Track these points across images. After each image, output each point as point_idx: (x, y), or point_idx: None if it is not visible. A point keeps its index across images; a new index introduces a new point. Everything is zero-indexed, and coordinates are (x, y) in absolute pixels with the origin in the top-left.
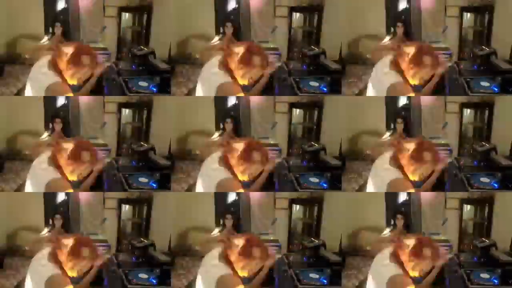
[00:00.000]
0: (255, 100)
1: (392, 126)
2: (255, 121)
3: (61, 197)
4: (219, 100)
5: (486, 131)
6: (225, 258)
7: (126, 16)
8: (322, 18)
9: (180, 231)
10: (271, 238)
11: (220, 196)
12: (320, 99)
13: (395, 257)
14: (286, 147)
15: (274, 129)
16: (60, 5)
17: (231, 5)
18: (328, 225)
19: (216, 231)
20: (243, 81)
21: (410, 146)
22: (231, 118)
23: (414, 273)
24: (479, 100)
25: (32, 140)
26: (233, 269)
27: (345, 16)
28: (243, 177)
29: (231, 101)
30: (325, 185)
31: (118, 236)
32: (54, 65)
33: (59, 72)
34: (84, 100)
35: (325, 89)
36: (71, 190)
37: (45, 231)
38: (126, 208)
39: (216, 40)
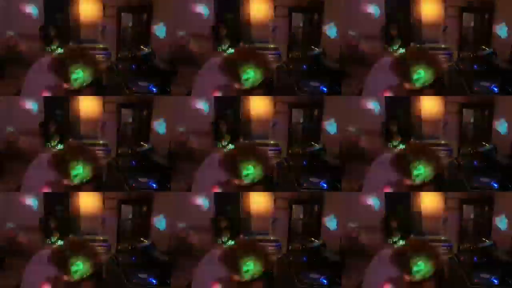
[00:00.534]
0: (255, 100)
1: (391, 126)
2: (255, 121)
3: (60, 197)
4: (219, 100)
5: (486, 131)
6: (224, 258)
7: (126, 16)
8: (322, 18)
9: (180, 231)
10: (271, 238)
11: (220, 196)
12: (320, 99)
13: (395, 257)
14: (286, 147)
15: (274, 129)
16: (60, 5)
17: (231, 5)
18: (328, 225)
19: (215, 231)
20: (243, 81)
21: (410, 146)
22: (231, 118)
23: (414, 273)
24: (479, 100)
25: (31, 140)
26: (233, 269)
27: (345, 16)
28: (243, 177)
29: (231, 101)
30: (325, 185)
31: (118, 236)
32: (54, 65)
33: (59, 72)
34: (84, 100)
35: (325, 89)
36: (71, 190)
37: (44, 231)
38: (126, 208)
39: (215, 40)
